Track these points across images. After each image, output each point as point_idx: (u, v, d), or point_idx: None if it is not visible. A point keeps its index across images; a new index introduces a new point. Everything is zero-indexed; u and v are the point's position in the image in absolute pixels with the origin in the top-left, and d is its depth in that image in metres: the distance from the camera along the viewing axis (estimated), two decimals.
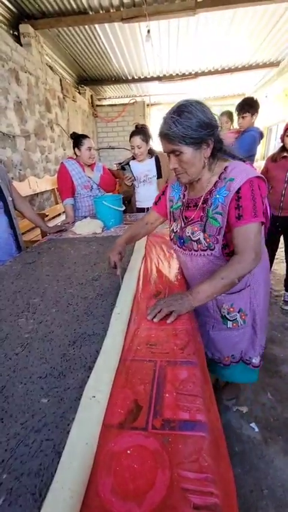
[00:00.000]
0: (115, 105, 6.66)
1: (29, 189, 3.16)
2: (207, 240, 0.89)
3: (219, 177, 0.86)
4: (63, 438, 0.45)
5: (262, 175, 0.84)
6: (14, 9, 3.29)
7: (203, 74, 5.50)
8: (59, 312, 0.85)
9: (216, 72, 5.45)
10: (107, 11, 3.39)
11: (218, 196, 0.85)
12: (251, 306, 0.99)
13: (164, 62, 4.93)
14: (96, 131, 6.86)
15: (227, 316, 0.99)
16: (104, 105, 6.75)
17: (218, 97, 7.38)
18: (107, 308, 0.85)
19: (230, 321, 1.00)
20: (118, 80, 5.87)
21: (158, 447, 0.44)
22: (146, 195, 2.08)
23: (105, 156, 6.94)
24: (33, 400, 0.54)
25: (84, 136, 1.96)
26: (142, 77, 5.75)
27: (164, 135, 0.80)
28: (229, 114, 2.83)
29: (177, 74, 5.56)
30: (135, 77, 5.76)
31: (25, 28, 3.45)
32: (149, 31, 3.53)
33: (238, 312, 0.99)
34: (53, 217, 3.45)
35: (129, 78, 5.78)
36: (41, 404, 0.53)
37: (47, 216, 2.70)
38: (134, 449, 0.44)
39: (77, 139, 1.95)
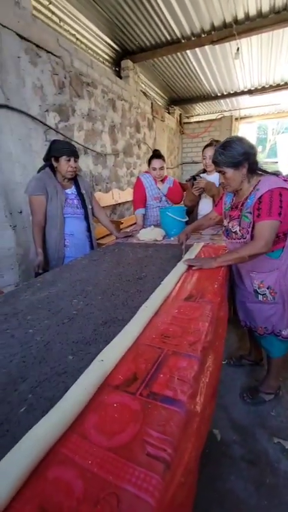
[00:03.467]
0: (202, 121, 6.83)
1: (111, 200, 3.62)
2: (241, 232, 1.25)
3: (254, 188, 1.20)
4: (73, 383, 0.60)
5: (285, 186, 1.12)
6: (118, 49, 3.89)
7: None
8: (103, 300, 1.03)
9: None
10: (198, 36, 3.62)
11: (249, 201, 1.21)
12: (280, 285, 1.26)
13: (255, 74, 4.82)
14: (182, 147, 7.17)
15: (258, 290, 1.32)
16: (191, 122, 7.02)
17: None
18: (141, 302, 0.97)
19: (260, 294, 1.32)
20: (207, 97, 6.04)
21: (138, 408, 0.53)
22: (206, 208, 2.12)
23: (188, 170, 7.15)
24: (63, 355, 0.71)
25: (153, 157, 2.17)
26: (232, 92, 5.74)
27: (214, 162, 1.23)
28: None
29: (270, 86, 5.31)
30: (225, 93, 5.79)
31: (125, 63, 4.02)
32: (238, 49, 3.59)
33: (267, 289, 1.29)
34: (130, 225, 3.81)
35: (219, 94, 5.86)
36: (67, 359, 0.69)
37: (122, 223, 3.04)
38: (119, 405, 0.54)
39: (149, 159, 2.18)
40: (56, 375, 0.64)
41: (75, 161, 1.70)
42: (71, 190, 1.79)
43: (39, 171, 1.74)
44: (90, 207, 1.89)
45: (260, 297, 1.32)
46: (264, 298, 1.31)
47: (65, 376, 0.63)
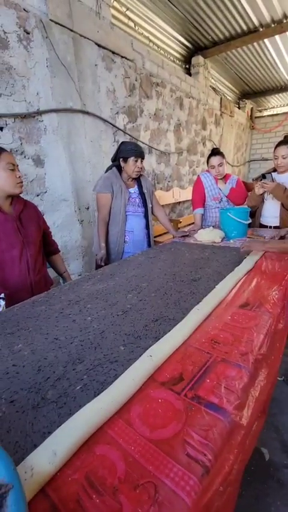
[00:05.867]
0: (276, 114, 6.27)
1: (171, 198, 3.63)
2: None
3: None
4: (123, 372, 0.64)
5: None
6: (189, 45, 3.84)
7: None
8: (156, 297, 1.06)
9: None
10: (279, 22, 3.32)
11: None
12: None
13: None
14: (251, 143, 6.72)
15: None
16: (263, 116, 6.51)
17: None
18: (193, 304, 0.97)
19: None
20: (285, 88, 5.51)
21: (182, 408, 0.54)
22: (271, 210, 1.95)
23: (256, 168, 6.68)
24: (116, 345, 0.76)
25: (211, 155, 2.09)
26: None
27: None
28: None
29: None
30: None
31: (196, 60, 3.95)
32: None
33: None
34: (189, 224, 3.78)
35: None
36: (119, 349, 0.74)
37: (180, 222, 3.03)
38: (164, 401, 0.56)
39: (208, 157, 2.11)
40: (108, 362, 0.69)
41: (142, 162, 1.77)
42: (134, 189, 1.87)
43: (106, 171, 1.86)
44: (150, 205, 1.95)
45: None
46: None
47: (116, 365, 0.68)
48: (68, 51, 2.10)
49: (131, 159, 1.72)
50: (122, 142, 1.81)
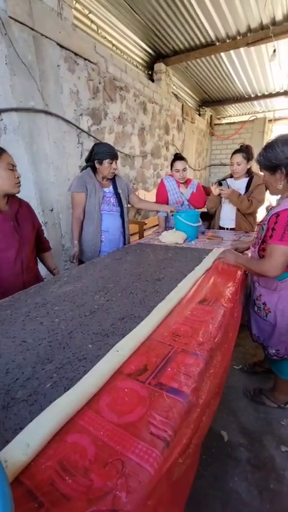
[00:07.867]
0: (233, 123, 6.71)
1: None
2: (255, 240, 1.30)
3: (284, 199, 1.12)
4: (92, 368, 0.68)
5: None
6: (152, 52, 3.96)
7: None
8: (122, 297, 1.11)
9: None
10: (233, 39, 3.58)
11: (271, 212, 1.15)
12: (276, 307, 1.25)
13: None
14: (211, 148, 7.09)
15: (255, 301, 1.36)
16: (222, 124, 6.92)
17: None
18: (157, 302, 1.04)
19: (256, 306, 1.36)
20: (240, 98, 5.93)
21: (146, 395, 0.60)
22: (228, 214, 2.13)
23: (216, 172, 7.07)
24: (84, 344, 0.80)
25: (175, 159, 2.21)
26: (266, 94, 5.59)
27: (256, 161, 1.19)
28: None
29: None
30: (259, 94, 5.66)
31: (159, 66, 4.08)
32: (274, 50, 3.50)
33: (263, 304, 1.30)
34: (153, 226, 3.89)
35: (252, 96, 5.74)
36: (87, 347, 0.78)
37: (145, 224, 3.12)
38: (129, 390, 0.62)
39: (172, 161, 2.23)
40: (77, 360, 0.73)
41: (116, 163, 1.83)
42: (109, 189, 1.92)
43: (81, 171, 1.91)
44: (126, 206, 2.01)
45: (256, 308, 1.37)
46: (259, 311, 1.35)
47: (85, 362, 0.72)
48: (28, 49, 2.05)
49: (106, 161, 1.78)
50: (96, 144, 1.84)
